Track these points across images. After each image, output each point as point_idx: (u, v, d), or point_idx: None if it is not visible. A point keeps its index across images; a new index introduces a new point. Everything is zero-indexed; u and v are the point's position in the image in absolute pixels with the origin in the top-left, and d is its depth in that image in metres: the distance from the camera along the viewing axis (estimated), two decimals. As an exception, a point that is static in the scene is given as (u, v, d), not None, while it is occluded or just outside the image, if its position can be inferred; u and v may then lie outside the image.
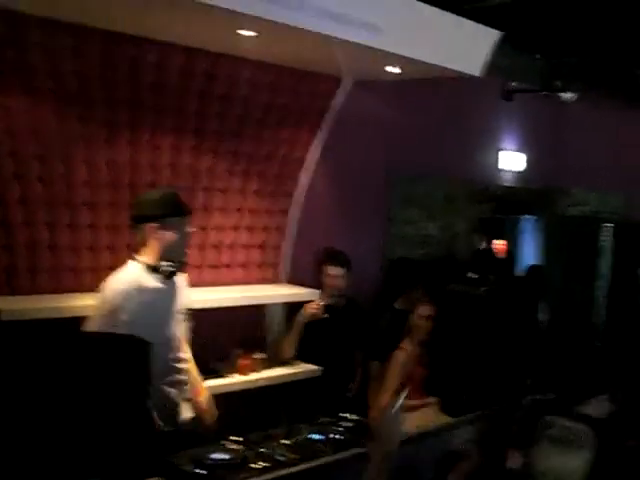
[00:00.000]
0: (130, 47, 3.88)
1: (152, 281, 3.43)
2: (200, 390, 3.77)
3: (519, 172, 7.12)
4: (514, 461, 3.10)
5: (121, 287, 3.36)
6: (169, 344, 3.50)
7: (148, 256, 3.45)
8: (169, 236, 3.44)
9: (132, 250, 3.56)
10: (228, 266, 4.68)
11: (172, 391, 3.51)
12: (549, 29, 5.77)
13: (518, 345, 4.09)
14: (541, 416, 2.40)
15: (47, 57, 3.65)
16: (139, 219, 3.46)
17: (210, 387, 4.02)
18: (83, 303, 3.73)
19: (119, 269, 3.49)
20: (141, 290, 3.38)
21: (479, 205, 6.76)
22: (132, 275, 3.42)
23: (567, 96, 6.57)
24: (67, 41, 3.68)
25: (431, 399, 4.56)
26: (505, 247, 6.77)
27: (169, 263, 3.45)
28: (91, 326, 3.30)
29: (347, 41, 3.79)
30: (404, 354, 4.78)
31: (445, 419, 4.01)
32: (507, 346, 4.08)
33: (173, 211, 3.48)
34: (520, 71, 6.46)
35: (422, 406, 4.53)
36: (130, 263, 3.48)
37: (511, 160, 7.00)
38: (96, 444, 2.41)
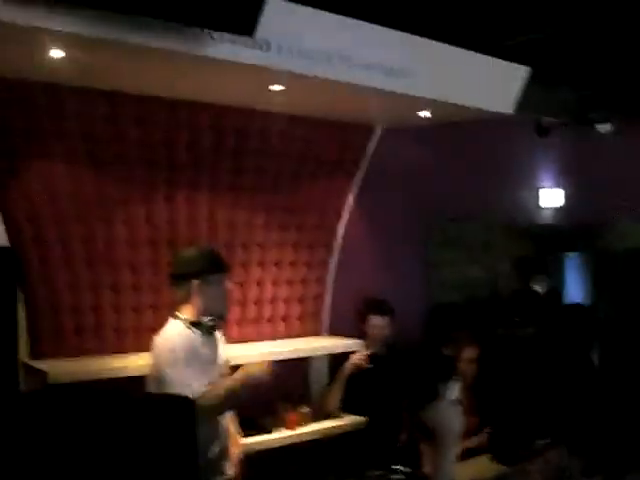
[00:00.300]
0: (163, 109, 3.97)
1: (195, 337, 3.44)
2: (236, 444, 3.74)
3: (559, 208, 7.03)
4: None
5: (169, 344, 3.37)
6: None
7: (189, 313, 3.46)
8: (210, 292, 3.45)
9: (172, 308, 3.57)
10: (269, 320, 4.66)
11: (216, 448, 3.49)
12: (578, 62, 5.75)
13: (572, 388, 3.98)
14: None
15: (84, 123, 3.75)
16: (180, 276, 3.48)
17: (258, 443, 4.00)
18: (127, 364, 3.76)
19: (162, 328, 3.50)
20: (187, 346, 3.37)
21: (520, 245, 6.66)
22: (177, 331, 3.43)
23: (604, 127, 6.50)
24: (102, 107, 3.79)
25: (479, 439, 4.47)
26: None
27: (210, 318, 3.47)
28: (150, 386, 3.34)
29: (377, 89, 3.83)
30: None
31: (498, 468, 3.90)
32: (560, 390, 3.97)
33: (213, 267, 3.50)
34: (553, 106, 6.42)
35: (471, 450, 4.45)
36: (172, 321, 3.49)
37: (550, 197, 6.92)
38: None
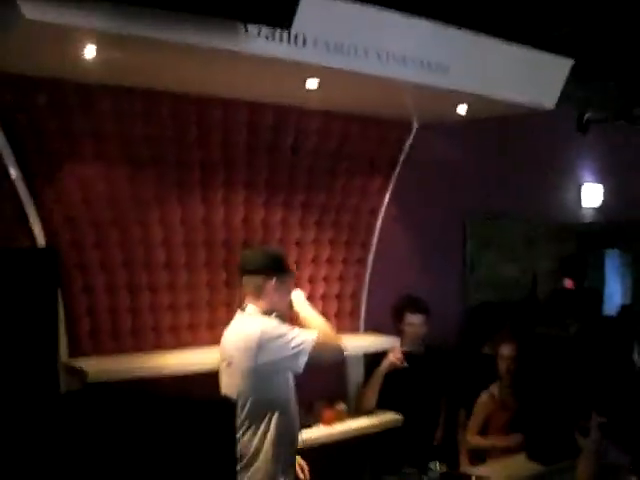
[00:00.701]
0: (197, 107, 3.97)
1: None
2: None
3: (600, 206, 6.92)
4: None
5: (269, 329, 3.48)
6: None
7: (258, 309, 3.57)
8: (281, 291, 3.64)
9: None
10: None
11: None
12: (621, 55, 5.64)
13: (612, 390, 3.90)
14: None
15: (118, 123, 3.76)
16: (256, 272, 3.59)
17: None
18: (165, 362, 3.80)
19: (237, 321, 3.64)
20: (273, 335, 3.48)
21: (560, 243, 6.56)
22: (266, 319, 3.54)
23: (646, 123, 6.36)
24: (136, 106, 3.79)
25: (515, 438, 4.42)
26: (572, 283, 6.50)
27: (276, 315, 3.61)
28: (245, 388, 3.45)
29: (414, 83, 3.79)
30: (488, 397, 4.71)
31: (534, 467, 3.84)
32: (600, 391, 3.89)
33: (287, 268, 3.71)
34: (595, 101, 6.31)
35: (507, 448, 4.41)
36: (246, 316, 3.59)
37: (592, 194, 6.81)
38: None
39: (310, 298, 4.59)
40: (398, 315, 4.92)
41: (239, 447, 3.35)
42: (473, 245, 5.82)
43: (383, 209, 4.96)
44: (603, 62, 5.74)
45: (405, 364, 4.53)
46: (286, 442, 3.54)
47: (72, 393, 3.36)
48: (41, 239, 3.65)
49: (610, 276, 6.86)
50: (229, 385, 3.53)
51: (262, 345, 3.42)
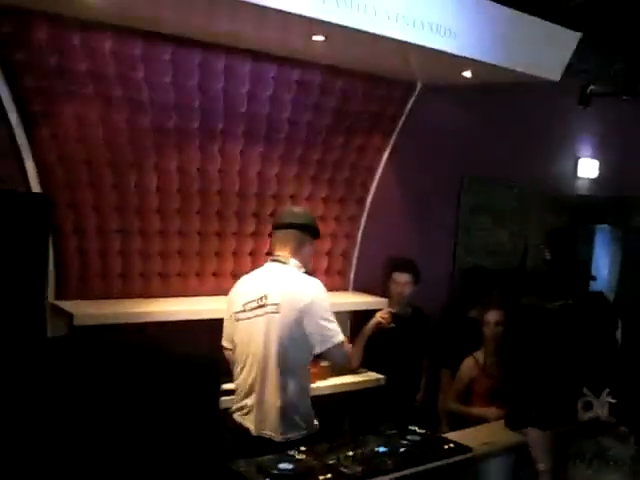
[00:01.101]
0: (199, 52, 3.91)
1: None
2: None
3: (594, 180, 6.92)
4: None
5: (325, 295, 3.63)
6: None
7: (297, 264, 3.66)
8: (311, 254, 3.79)
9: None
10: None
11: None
12: (631, 30, 5.57)
13: (593, 365, 3.94)
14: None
15: (119, 66, 3.70)
16: (304, 230, 3.68)
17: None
18: (152, 309, 3.81)
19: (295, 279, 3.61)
20: (322, 307, 3.60)
21: (553, 214, 6.57)
22: (317, 287, 3.64)
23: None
24: (138, 49, 3.72)
25: (495, 412, 4.47)
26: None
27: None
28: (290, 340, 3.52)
29: (421, 46, 3.73)
30: (473, 362, 4.74)
31: (514, 437, 3.89)
32: (581, 365, 3.93)
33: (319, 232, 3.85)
34: (599, 74, 6.26)
35: (484, 415, 4.46)
36: (296, 271, 3.62)
37: (587, 167, 6.80)
38: (164, 452, 2.41)
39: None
40: (387, 275, 4.94)
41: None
42: (466, 209, 5.81)
43: (381, 168, 4.94)
44: (612, 35, 5.67)
45: (392, 324, 4.55)
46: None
47: (58, 338, 3.37)
48: (34, 180, 3.62)
49: (599, 251, 6.87)
50: (261, 329, 3.54)
51: (309, 311, 3.51)
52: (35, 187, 3.65)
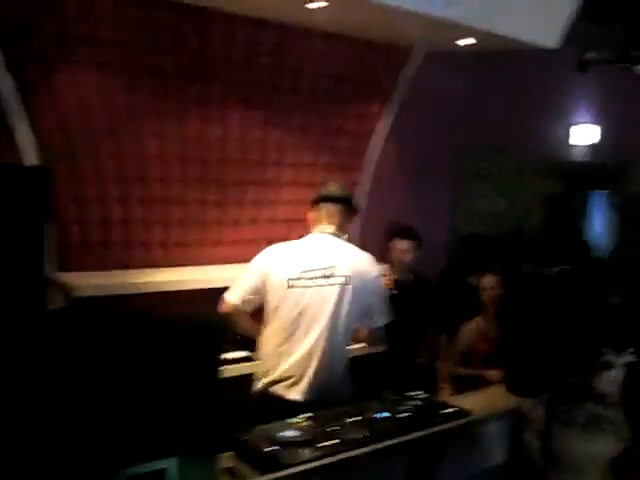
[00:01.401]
0: (197, 18, 3.86)
1: None
2: None
3: (592, 146, 6.91)
4: None
5: (376, 274, 3.80)
6: None
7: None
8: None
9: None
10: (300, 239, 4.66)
11: None
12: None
13: (591, 328, 3.97)
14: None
15: (116, 31, 3.65)
16: (352, 206, 3.81)
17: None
18: (153, 279, 3.81)
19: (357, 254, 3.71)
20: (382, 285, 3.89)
21: (551, 181, 6.57)
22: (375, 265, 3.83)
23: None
24: (136, 14, 3.67)
25: (496, 374, 4.51)
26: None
27: None
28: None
29: (420, 13, 3.70)
30: (473, 327, 4.78)
31: (513, 400, 3.92)
32: (579, 328, 3.96)
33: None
34: (597, 41, 6.22)
35: (486, 380, 4.50)
36: (354, 248, 3.73)
37: (584, 134, 6.79)
38: (166, 422, 2.43)
39: (303, 220, 4.62)
40: (386, 242, 4.95)
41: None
42: (465, 177, 5.81)
43: (383, 134, 4.94)
44: (611, 2, 5.63)
45: (394, 291, 4.56)
46: None
47: (58, 310, 3.36)
48: (31, 151, 3.58)
49: (596, 216, 6.89)
50: (331, 298, 3.58)
51: (375, 285, 3.72)
52: (32, 157, 3.59)
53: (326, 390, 3.61)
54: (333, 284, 3.60)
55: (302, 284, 3.56)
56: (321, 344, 3.59)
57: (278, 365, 3.59)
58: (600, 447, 2.28)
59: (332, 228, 3.69)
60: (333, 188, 3.78)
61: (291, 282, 3.56)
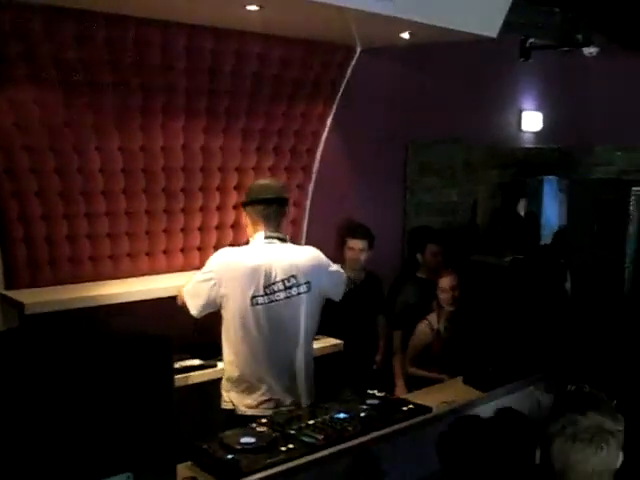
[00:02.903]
0: (134, 29, 3.81)
1: None
2: None
3: (539, 132, 6.99)
4: None
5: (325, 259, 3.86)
6: None
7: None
8: None
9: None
10: (247, 244, 4.63)
11: None
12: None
13: (545, 316, 4.01)
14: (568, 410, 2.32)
15: (52, 46, 3.59)
16: (286, 203, 3.81)
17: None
18: (102, 292, 3.76)
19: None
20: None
21: (500, 169, 6.63)
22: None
23: (589, 50, 6.38)
24: (71, 28, 3.61)
25: (445, 376, 4.54)
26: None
27: None
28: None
29: (356, 9, 3.68)
30: (426, 327, 4.79)
31: (471, 393, 3.95)
32: (533, 317, 4.00)
33: None
34: (538, 27, 6.27)
35: (438, 379, 4.52)
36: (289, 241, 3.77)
37: (532, 120, 6.86)
38: (123, 437, 2.41)
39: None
40: (340, 241, 4.96)
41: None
42: (413, 170, 5.83)
43: (325, 134, 4.93)
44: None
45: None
46: None
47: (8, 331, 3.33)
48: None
49: (548, 203, 6.95)
50: (300, 309, 3.62)
51: (328, 276, 3.77)
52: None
53: (296, 395, 3.67)
54: (297, 294, 3.60)
55: (266, 300, 3.54)
56: (294, 355, 3.65)
57: (253, 388, 3.61)
58: (606, 460, 2.25)
59: (277, 232, 3.67)
60: (265, 189, 3.72)
61: (255, 299, 3.53)
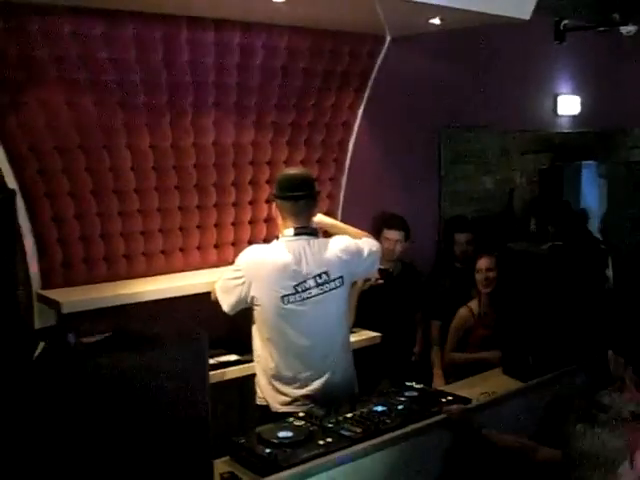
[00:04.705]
0: (162, 26, 3.82)
1: None
2: None
3: (576, 116, 6.86)
4: None
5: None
6: None
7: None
8: None
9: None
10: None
11: None
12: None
13: (586, 304, 3.92)
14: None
15: (80, 47, 3.61)
16: (316, 196, 3.75)
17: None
18: (140, 289, 3.79)
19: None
20: None
21: (537, 155, 6.52)
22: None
23: (627, 29, 6.23)
24: (99, 29, 3.63)
25: (493, 353, 4.48)
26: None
27: None
28: None
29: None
30: (467, 312, 4.74)
31: (511, 383, 3.90)
32: (574, 306, 3.91)
33: None
34: (572, 7, 6.15)
35: (485, 361, 4.46)
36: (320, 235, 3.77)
37: (568, 104, 6.74)
38: (159, 432, 2.41)
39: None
40: (376, 233, 4.92)
41: None
42: (447, 158, 5.76)
43: (356, 125, 4.89)
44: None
45: (380, 281, 4.53)
46: None
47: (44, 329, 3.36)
48: (9, 174, 3.58)
49: (587, 188, 6.82)
50: (333, 307, 3.61)
51: (359, 263, 3.73)
52: (11, 181, 3.58)
53: (333, 390, 3.60)
54: (330, 289, 3.56)
55: (298, 298, 3.50)
56: (330, 351, 3.60)
57: (284, 379, 3.58)
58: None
59: (306, 227, 3.62)
60: (296, 183, 3.64)
61: (286, 298, 3.49)
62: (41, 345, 2.45)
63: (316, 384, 3.57)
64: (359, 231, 3.95)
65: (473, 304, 4.77)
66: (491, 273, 4.68)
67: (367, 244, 3.77)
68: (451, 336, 4.81)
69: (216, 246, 4.31)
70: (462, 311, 4.78)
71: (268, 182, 4.45)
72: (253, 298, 3.50)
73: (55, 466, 2.24)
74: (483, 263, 4.73)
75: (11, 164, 3.58)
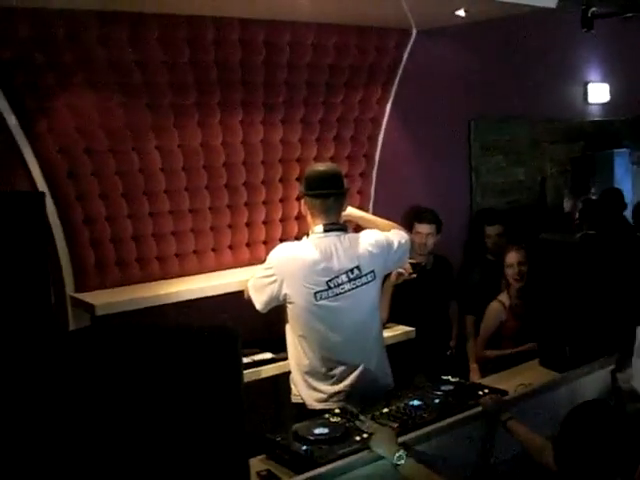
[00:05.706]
0: (187, 27, 3.84)
1: None
2: None
3: (606, 104, 6.78)
4: None
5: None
6: None
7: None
8: None
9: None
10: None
11: None
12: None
13: (621, 293, 3.86)
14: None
15: (107, 50, 3.64)
16: (345, 193, 3.73)
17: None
18: (174, 290, 3.79)
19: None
20: None
21: (568, 144, 6.44)
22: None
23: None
24: (125, 31, 3.66)
25: (528, 345, 4.44)
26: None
27: None
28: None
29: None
30: (499, 306, 4.70)
31: (548, 374, 3.86)
32: (609, 295, 3.86)
33: None
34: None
35: (520, 355, 4.42)
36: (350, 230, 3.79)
37: (598, 92, 6.66)
38: (193, 431, 2.41)
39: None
40: (408, 226, 4.90)
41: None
42: (477, 150, 5.72)
43: (385, 120, 4.87)
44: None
45: (413, 275, 4.51)
46: None
47: (78, 331, 3.38)
48: (39, 177, 3.61)
49: (620, 176, 6.73)
50: (365, 299, 3.60)
51: (390, 253, 3.71)
52: (41, 184, 3.63)
53: (368, 386, 3.60)
54: (362, 284, 3.55)
55: (330, 294, 3.49)
56: (364, 346, 3.59)
57: (319, 375, 3.58)
58: None
59: (336, 222, 3.60)
60: (324, 180, 3.61)
61: (318, 295, 3.49)
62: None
63: (350, 379, 3.56)
64: (387, 222, 3.94)
65: (503, 297, 4.72)
66: (523, 267, 4.64)
67: (396, 236, 3.75)
68: (483, 331, 4.77)
69: (248, 245, 4.31)
70: (494, 305, 4.74)
71: (298, 179, 4.44)
72: (285, 295, 3.50)
73: (86, 461, 2.24)
74: (514, 257, 4.67)
75: (41, 168, 3.62)
